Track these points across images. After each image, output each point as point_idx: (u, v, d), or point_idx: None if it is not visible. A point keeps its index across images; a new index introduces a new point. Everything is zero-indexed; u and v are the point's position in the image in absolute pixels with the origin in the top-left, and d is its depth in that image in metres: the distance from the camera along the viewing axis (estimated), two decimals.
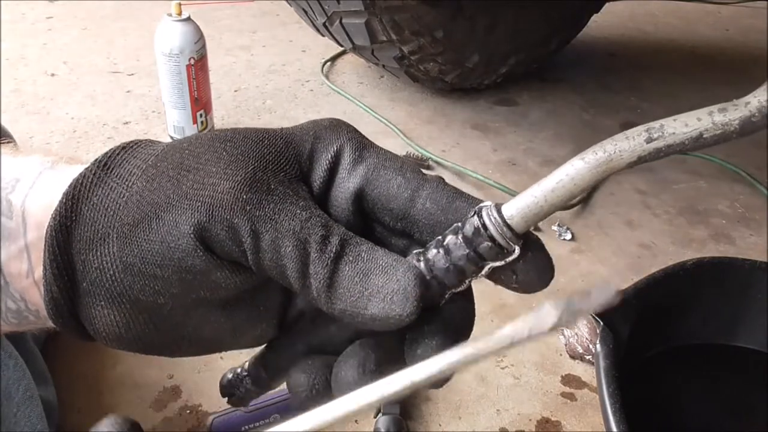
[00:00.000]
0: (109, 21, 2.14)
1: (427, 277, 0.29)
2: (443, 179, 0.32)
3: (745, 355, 0.93)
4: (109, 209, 0.30)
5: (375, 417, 0.85)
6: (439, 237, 0.30)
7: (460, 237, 0.29)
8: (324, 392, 0.31)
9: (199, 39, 1.50)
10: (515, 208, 0.28)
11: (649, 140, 0.26)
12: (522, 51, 1.67)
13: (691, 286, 0.91)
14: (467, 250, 0.29)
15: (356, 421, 0.86)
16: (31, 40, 1.97)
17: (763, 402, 0.88)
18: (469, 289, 0.31)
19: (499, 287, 0.31)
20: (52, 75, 1.78)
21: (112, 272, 0.30)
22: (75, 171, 0.32)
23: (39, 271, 0.32)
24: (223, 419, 0.83)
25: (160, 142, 0.33)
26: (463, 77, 1.63)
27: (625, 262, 1.17)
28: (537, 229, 1.22)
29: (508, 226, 0.28)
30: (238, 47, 1.98)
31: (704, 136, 0.26)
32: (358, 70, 1.85)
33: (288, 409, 0.85)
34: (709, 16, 2.32)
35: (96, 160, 0.32)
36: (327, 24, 1.51)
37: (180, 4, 1.47)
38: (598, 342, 0.78)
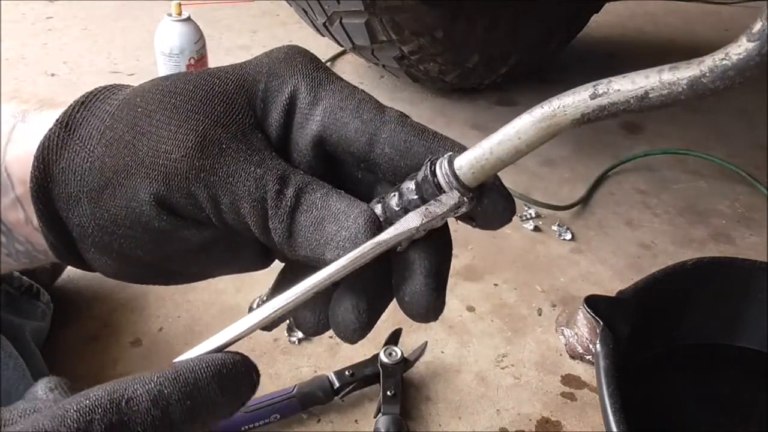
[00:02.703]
0: (109, 21, 2.14)
1: (381, 220, 0.30)
2: (404, 115, 0.32)
3: (745, 355, 0.93)
4: (76, 173, 0.31)
5: (375, 417, 0.85)
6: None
7: (413, 183, 0.30)
8: (328, 326, 0.32)
9: (199, 39, 1.50)
10: (465, 159, 0.29)
11: (594, 96, 0.25)
12: (522, 51, 1.67)
13: (691, 286, 0.91)
14: (417, 197, 0.29)
15: (356, 421, 0.87)
16: (31, 40, 1.97)
17: (763, 402, 0.88)
18: (445, 235, 0.31)
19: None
20: (52, 75, 1.78)
21: (90, 230, 0.32)
22: (44, 124, 0.33)
23: (36, 220, 0.33)
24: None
25: (119, 92, 0.33)
26: (463, 77, 1.64)
27: (625, 262, 1.17)
28: (537, 229, 1.22)
29: (455, 175, 0.29)
30: (238, 47, 1.98)
31: (650, 95, 0.24)
32: (358, 70, 1.85)
33: (288, 408, 0.85)
34: (709, 16, 2.32)
35: (57, 120, 0.32)
36: (327, 24, 1.51)
37: (180, 4, 1.47)
38: (598, 342, 0.78)
